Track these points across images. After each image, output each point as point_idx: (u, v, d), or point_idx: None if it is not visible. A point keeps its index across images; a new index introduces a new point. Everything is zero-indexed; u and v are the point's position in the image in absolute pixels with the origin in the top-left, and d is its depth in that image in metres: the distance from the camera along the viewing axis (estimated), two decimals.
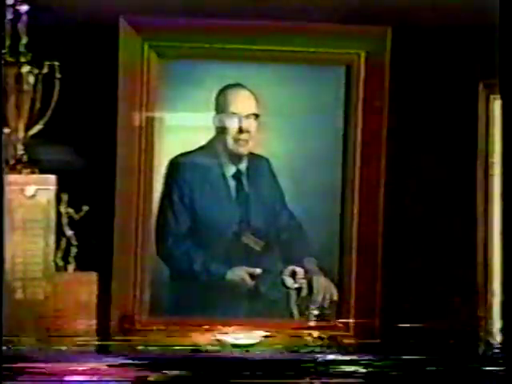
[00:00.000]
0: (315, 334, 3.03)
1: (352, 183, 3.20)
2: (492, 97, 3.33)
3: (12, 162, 3.00)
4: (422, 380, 3.31)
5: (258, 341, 3.32)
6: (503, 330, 3.22)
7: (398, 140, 3.24)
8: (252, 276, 3.29)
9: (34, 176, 2.98)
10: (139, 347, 3.34)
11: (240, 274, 3.27)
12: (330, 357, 3.12)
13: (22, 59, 2.96)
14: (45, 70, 3.02)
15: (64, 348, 3.19)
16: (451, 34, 3.65)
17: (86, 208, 2.92)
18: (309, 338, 3.10)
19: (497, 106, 3.35)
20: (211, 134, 3.19)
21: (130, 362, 3.32)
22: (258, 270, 3.28)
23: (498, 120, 3.38)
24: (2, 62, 3.21)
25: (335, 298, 3.19)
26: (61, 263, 2.94)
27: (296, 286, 3.15)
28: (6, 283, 3.17)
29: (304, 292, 3.10)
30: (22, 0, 3.30)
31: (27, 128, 2.97)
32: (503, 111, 2.85)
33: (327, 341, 3.14)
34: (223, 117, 3.29)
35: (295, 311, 3.06)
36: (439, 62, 3.62)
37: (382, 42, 3.27)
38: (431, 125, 3.26)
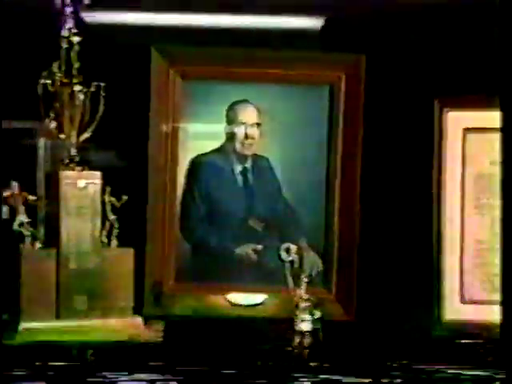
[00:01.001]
0: (305, 297, 2.99)
1: (334, 180, 3.17)
2: (445, 110, 3.06)
3: (66, 161, 2.90)
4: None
5: (261, 301, 3.23)
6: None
7: (370, 147, 3.19)
8: (255, 251, 3.24)
9: (84, 172, 2.91)
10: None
11: (246, 249, 3.26)
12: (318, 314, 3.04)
13: (75, 80, 2.89)
14: (92, 89, 2.90)
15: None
16: (412, 59, 3.30)
17: (125, 197, 2.91)
18: (301, 301, 3.10)
19: (449, 117, 3.06)
20: (223, 139, 3.16)
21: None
22: (260, 247, 3.24)
23: (451, 130, 3.09)
24: (59, 82, 2.92)
25: (320, 268, 3.14)
26: (105, 240, 2.90)
27: (290, 259, 3.09)
28: (63, 255, 2.90)
29: (296, 264, 3.07)
30: (74, 33, 2.97)
31: (78, 135, 2.90)
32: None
33: (314, 301, 3.23)
34: (232, 126, 3.25)
35: (290, 280, 3.03)
36: (403, 82, 3.27)
37: (358, 66, 3.14)
38: (395, 135, 3.18)
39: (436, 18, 3.34)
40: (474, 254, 3.18)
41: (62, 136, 2.96)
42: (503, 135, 2.88)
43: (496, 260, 3.19)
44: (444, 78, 3.29)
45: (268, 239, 3.26)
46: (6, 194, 3.11)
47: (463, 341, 3.26)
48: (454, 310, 3.19)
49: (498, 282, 3.23)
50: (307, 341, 3.05)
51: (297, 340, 3.07)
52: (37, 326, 2.91)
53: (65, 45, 2.97)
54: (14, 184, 2.98)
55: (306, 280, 3.08)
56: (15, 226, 2.95)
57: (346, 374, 3.13)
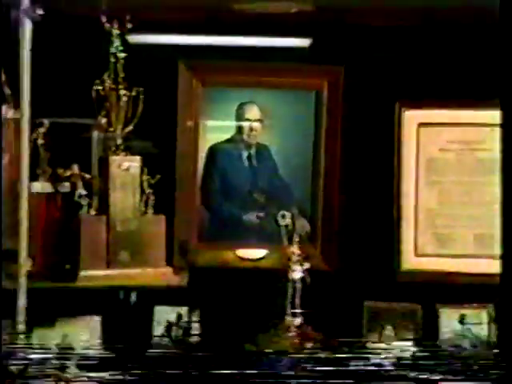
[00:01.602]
0: (296, 252, 3.10)
1: (319, 163, 3.37)
2: (403, 109, 3.32)
3: (114, 149, 3.08)
4: None
5: (263, 255, 3.36)
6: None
7: (347, 138, 3.37)
8: (258, 217, 3.42)
9: (127, 157, 3.09)
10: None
11: (251, 216, 3.43)
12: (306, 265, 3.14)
13: (120, 86, 3.06)
14: (133, 93, 3.07)
15: None
16: (379, 71, 3.40)
17: (158, 176, 3.08)
18: (293, 255, 3.14)
19: (406, 115, 3.34)
20: (233, 132, 3.36)
21: None
22: (262, 214, 3.41)
23: (408, 125, 3.35)
24: (108, 88, 3.10)
25: (308, 230, 3.33)
26: (143, 209, 3.08)
27: (284, 223, 3.21)
28: (111, 220, 3.08)
29: (289, 227, 3.20)
30: (120, 50, 3.08)
31: (123, 128, 3.08)
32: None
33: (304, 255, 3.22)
34: (240, 121, 3.44)
35: (284, 239, 3.16)
36: (372, 88, 3.43)
37: (338, 76, 3.33)
38: (366, 129, 3.35)
39: (396, 40, 3.38)
40: (425, 219, 3.40)
41: (111, 129, 3.13)
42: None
43: (441, 222, 3.40)
44: (402, 86, 3.38)
45: (268, 208, 3.44)
46: (68, 173, 3.21)
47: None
48: (409, 261, 3.40)
49: (443, 239, 3.43)
50: (298, 286, 3.16)
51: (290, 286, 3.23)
52: (91, 274, 3.08)
53: (113, 59, 3.12)
54: (74, 166, 3.16)
55: (297, 239, 3.17)
56: (76, 198, 3.12)
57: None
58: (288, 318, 3.19)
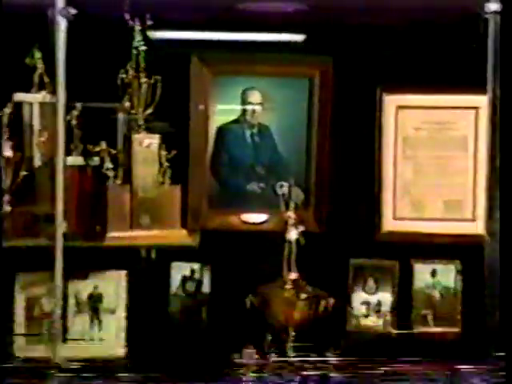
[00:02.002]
0: (292, 216, 3.21)
1: (311, 140, 3.45)
2: (384, 94, 3.42)
3: (136, 128, 3.14)
4: None
5: (264, 220, 3.45)
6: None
7: (336, 118, 3.47)
8: (260, 187, 3.49)
9: (148, 135, 3.15)
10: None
11: (253, 186, 3.49)
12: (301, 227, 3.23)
13: (141, 75, 3.13)
14: (152, 81, 3.14)
15: None
16: (363, 60, 3.48)
17: (174, 152, 3.17)
18: (289, 219, 3.25)
19: (387, 99, 3.43)
20: (238, 114, 3.46)
21: None
22: (262, 184, 3.49)
23: (387, 108, 3.44)
24: (131, 76, 3.14)
25: (302, 198, 3.41)
26: (161, 180, 3.16)
27: (282, 192, 3.33)
28: (134, 189, 3.12)
29: (286, 195, 3.33)
30: (141, 44, 3.13)
31: (144, 111, 3.14)
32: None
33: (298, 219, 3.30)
34: (244, 105, 3.50)
35: (282, 206, 3.28)
36: (357, 76, 3.49)
37: (328, 66, 3.41)
38: (352, 111, 3.45)
39: (377, 35, 3.43)
40: (402, 187, 3.50)
41: (133, 111, 3.18)
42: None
43: (415, 190, 3.49)
44: (383, 74, 3.46)
45: (268, 179, 3.52)
46: (97, 149, 3.20)
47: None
48: (388, 224, 3.51)
49: (417, 205, 3.52)
50: (294, 245, 3.24)
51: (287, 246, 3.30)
52: (117, 234, 3.15)
53: (135, 52, 3.17)
54: (103, 143, 3.19)
55: (293, 206, 3.28)
56: (104, 170, 3.18)
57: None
58: (285, 273, 3.27)
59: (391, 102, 3.50)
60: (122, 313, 3.37)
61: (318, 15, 3.40)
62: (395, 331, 3.61)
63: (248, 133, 3.56)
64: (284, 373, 3.30)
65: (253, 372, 3.32)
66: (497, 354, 3.18)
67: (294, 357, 3.30)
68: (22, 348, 3.30)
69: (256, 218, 3.55)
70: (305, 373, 3.28)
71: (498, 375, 3.16)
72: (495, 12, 3.12)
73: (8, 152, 3.15)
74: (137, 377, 3.27)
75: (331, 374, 3.29)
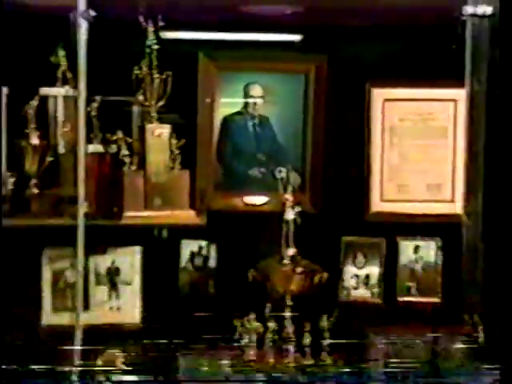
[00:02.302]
0: (290, 198, 3.25)
1: (307, 130, 3.55)
2: (372, 88, 3.49)
3: (149, 119, 3.20)
4: None
5: (264, 201, 3.53)
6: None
7: (329, 110, 3.56)
8: (260, 172, 3.59)
9: (160, 125, 3.19)
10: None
11: (255, 171, 3.60)
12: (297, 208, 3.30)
13: (154, 71, 3.17)
14: (164, 76, 3.19)
15: None
16: (354, 58, 3.53)
17: (183, 140, 3.22)
18: (287, 201, 3.29)
19: (375, 92, 3.50)
20: (241, 106, 3.55)
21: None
22: (263, 170, 3.59)
23: (375, 101, 3.51)
24: (144, 72, 3.15)
25: (299, 182, 3.51)
26: (171, 166, 3.22)
27: (281, 177, 3.34)
28: (147, 174, 3.15)
29: (284, 179, 3.34)
30: (154, 43, 3.14)
31: (156, 103, 3.19)
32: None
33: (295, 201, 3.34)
34: (246, 98, 3.60)
35: (281, 189, 3.29)
36: (349, 72, 3.55)
37: (323, 62, 3.51)
38: (344, 103, 3.56)
39: (366, 35, 3.51)
40: (388, 172, 3.58)
41: (146, 104, 3.25)
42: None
43: (400, 175, 3.57)
44: (371, 71, 3.55)
45: (268, 165, 3.61)
46: (114, 138, 3.25)
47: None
48: (376, 205, 3.61)
49: (402, 188, 3.58)
50: (291, 225, 3.26)
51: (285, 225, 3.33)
52: (133, 214, 3.22)
53: (148, 50, 3.23)
54: (119, 132, 3.24)
55: (290, 189, 3.31)
56: (120, 156, 3.25)
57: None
58: (283, 250, 3.31)
59: (379, 95, 3.59)
60: (137, 284, 3.44)
61: (314, 17, 3.44)
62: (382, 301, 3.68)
63: (250, 123, 3.65)
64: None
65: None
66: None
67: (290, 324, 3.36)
68: (49, 315, 3.34)
69: (257, 200, 3.63)
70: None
71: (472, 339, 3.22)
72: (472, 14, 3.13)
73: (35, 140, 3.20)
74: (150, 342, 3.31)
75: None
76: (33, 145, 3.23)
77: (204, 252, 3.60)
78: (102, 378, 3.21)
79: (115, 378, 3.20)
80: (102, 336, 3.28)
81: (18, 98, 3.27)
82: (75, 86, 3.16)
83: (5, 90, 3.27)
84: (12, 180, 3.25)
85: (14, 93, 3.29)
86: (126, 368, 3.25)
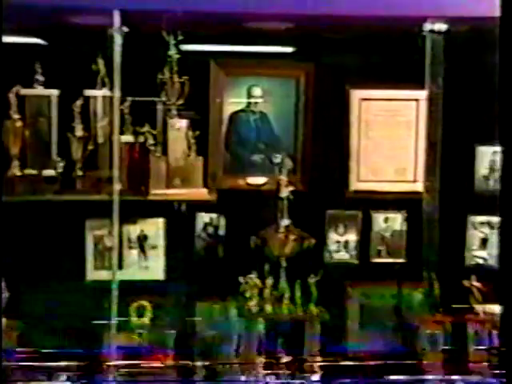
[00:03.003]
0: (284, 179, 3.39)
1: (299, 124, 3.58)
2: (350, 89, 3.49)
3: (171, 115, 3.32)
4: None
5: (264, 182, 3.56)
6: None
7: (317, 108, 3.60)
8: (260, 158, 3.64)
9: (179, 120, 3.31)
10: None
11: (256, 157, 3.65)
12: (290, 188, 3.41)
13: (174, 76, 3.27)
14: (182, 80, 3.28)
15: None
16: (336, 64, 3.51)
17: (197, 132, 3.34)
18: (282, 182, 3.41)
19: (352, 93, 3.50)
20: (245, 104, 3.60)
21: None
22: (262, 156, 3.63)
23: (353, 99, 3.52)
24: (167, 76, 3.20)
25: (291, 166, 3.54)
26: (188, 153, 3.31)
27: (277, 161, 3.50)
28: (168, 158, 3.23)
29: (280, 164, 3.48)
30: (175, 53, 3.23)
31: (176, 102, 3.31)
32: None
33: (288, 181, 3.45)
34: (249, 98, 3.62)
35: (276, 171, 3.47)
36: (332, 75, 3.54)
37: (311, 69, 3.55)
38: (329, 101, 3.59)
39: (346, 46, 3.53)
40: (364, 158, 3.60)
41: (168, 103, 3.39)
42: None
43: (374, 160, 3.58)
44: (350, 75, 3.59)
45: (266, 152, 3.68)
46: (142, 130, 3.33)
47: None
48: (354, 184, 3.62)
49: (375, 170, 3.60)
50: (285, 201, 3.40)
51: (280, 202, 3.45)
52: (157, 192, 3.31)
53: (169, 59, 3.34)
54: (146, 125, 3.35)
55: (285, 172, 3.47)
56: (147, 145, 3.36)
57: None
58: (279, 221, 3.44)
59: (356, 95, 3.65)
60: (161, 248, 3.57)
61: (303, 32, 3.52)
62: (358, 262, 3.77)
63: (252, 118, 3.72)
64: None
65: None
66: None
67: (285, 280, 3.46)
68: (91, 272, 3.51)
69: (258, 180, 3.70)
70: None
71: (429, 292, 3.44)
72: (430, 31, 3.33)
73: (79, 132, 3.34)
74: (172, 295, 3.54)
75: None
76: (78, 136, 3.36)
77: (215, 223, 3.68)
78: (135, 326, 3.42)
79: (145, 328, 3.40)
80: (133, 289, 3.43)
81: (67, 98, 3.37)
82: (111, 89, 3.32)
83: (56, 92, 3.36)
84: (61, 164, 3.35)
85: (64, 95, 3.38)
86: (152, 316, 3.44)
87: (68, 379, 3.21)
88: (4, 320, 3.25)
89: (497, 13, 2.98)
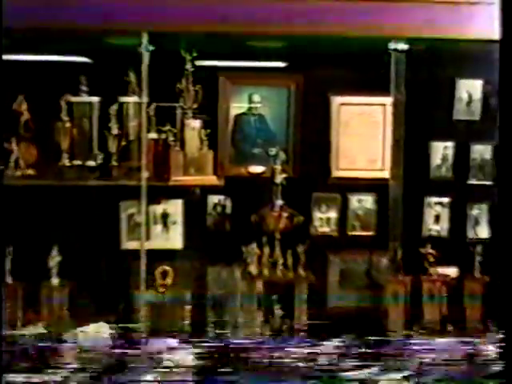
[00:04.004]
0: (279, 168, 3.48)
1: (291, 123, 3.67)
2: (332, 96, 3.59)
3: (187, 116, 3.40)
4: None
5: (262, 171, 3.61)
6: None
7: (306, 111, 3.68)
8: (259, 151, 3.71)
9: (194, 121, 3.40)
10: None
11: (255, 150, 3.72)
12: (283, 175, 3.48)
13: (190, 85, 3.38)
14: (196, 89, 3.38)
15: None
16: (322, 76, 3.58)
17: (209, 130, 3.47)
18: (276, 170, 3.49)
19: (333, 99, 3.59)
20: (246, 108, 3.69)
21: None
22: (261, 150, 3.71)
23: (334, 105, 3.61)
24: (184, 86, 3.27)
25: (284, 158, 3.57)
26: (201, 147, 3.41)
27: (272, 154, 3.57)
28: (186, 152, 3.30)
29: (275, 156, 3.53)
30: (190, 67, 3.30)
31: (191, 106, 3.40)
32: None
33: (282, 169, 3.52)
34: (250, 103, 3.71)
35: (273, 161, 3.53)
36: (318, 86, 3.64)
37: (300, 79, 3.65)
38: (315, 107, 3.66)
39: (328, 60, 3.55)
40: (342, 151, 3.70)
41: (185, 107, 3.46)
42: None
43: (350, 153, 3.66)
44: (331, 84, 3.67)
45: (264, 146, 3.74)
46: (164, 129, 3.40)
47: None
48: (331, 172, 3.70)
49: (351, 160, 3.67)
50: (279, 186, 3.49)
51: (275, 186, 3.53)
52: (176, 178, 3.39)
53: (186, 72, 3.40)
54: (168, 125, 3.42)
55: (279, 162, 3.55)
56: (168, 141, 3.41)
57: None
58: (274, 201, 3.53)
59: (336, 101, 3.75)
60: (180, 224, 3.67)
61: (294, 50, 3.60)
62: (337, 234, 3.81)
63: (252, 119, 3.80)
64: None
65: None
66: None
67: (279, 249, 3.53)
68: (125, 243, 3.61)
69: (257, 169, 3.77)
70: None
71: (393, 258, 3.55)
72: (394, 49, 3.41)
73: (115, 131, 3.45)
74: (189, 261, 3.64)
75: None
76: (113, 134, 3.46)
77: (222, 203, 3.76)
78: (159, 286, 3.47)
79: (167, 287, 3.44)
80: (158, 256, 3.52)
81: (105, 104, 3.49)
82: (140, 96, 3.40)
83: (97, 99, 3.48)
84: (101, 156, 3.47)
85: (103, 101, 3.50)
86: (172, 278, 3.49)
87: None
88: (57, 279, 3.45)
89: (450, 35, 3.18)
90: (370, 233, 3.77)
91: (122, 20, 3.21)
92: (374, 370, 3.14)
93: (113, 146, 3.45)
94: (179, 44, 3.42)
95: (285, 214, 3.50)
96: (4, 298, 3.26)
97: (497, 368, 3.06)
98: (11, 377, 2.95)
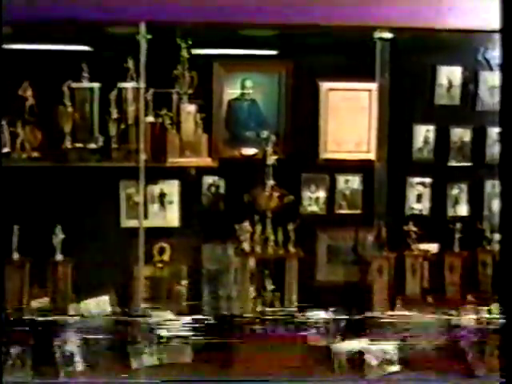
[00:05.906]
0: (270, 150, 3.53)
1: (282, 108, 3.70)
2: (320, 82, 3.61)
3: (183, 101, 3.42)
4: None
5: (254, 153, 3.62)
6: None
7: (296, 96, 3.71)
8: (251, 134, 3.72)
9: (189, 105, 3.43)
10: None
11: (250, 134, 3.73)
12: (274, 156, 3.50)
13: (186, 72, 3.40)
14: (192, 75, 3.41)
15: None
16: (312, 64, 3.62)
17: (204, 114, 3.48)
18: (268, 151, 3.53)
19: (321, 85, 3.62)
20: (239, 93, 3.70)
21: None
22: (253, 133, 3.72)
23: (323, 90, 3.63)
24: (180, 73, 3.32)
25: (275, 140, 3.57)
26: (196, 130, 3.43)
27: (264, 137, 3.65)
28: (182, 135, 3.35)
29: (267, 139, 3.58)
30: (186, 54, 3.34)
31: (187, 91, 3.42)
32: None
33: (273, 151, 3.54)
34: (243, 88, 3.72)
35: (264, 144, 3.57)
36: (308, 72, 3.68)
37: (290, 66, 3.67)
38: (305, 93, 3.69)
39: (318, 48, 3.62)
40: (331, 134, 3.71)
41: (181, 92, 3.47)
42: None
43: (338, 135, 3.70)
44: (320, 71, 3.69)
45: (256, 130, 3.78)
46: (162, 112, 3.40)
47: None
48: (323, 154, 3.73)
49: (339, 143, 3.69)
50: (270, 167, 3.52)
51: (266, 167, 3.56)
52: (173, 160, 3.39)
53: (182, 59, 3.44)
54: (164, 109, 3.43)
55: (270, 144, 3.58)
56: (165, 124, 3.41)
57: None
58: (266, 181, 3.56)
59: (325, 87, 3.78)
60: (176, 203, 3.73)
61: (284, 37, 3.63)
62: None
63: (245, 104, 3.83)
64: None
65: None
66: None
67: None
68: (124, 221, 3.62)
69: (249, 151, 3.79)
70: None
71: (378, 235, 3.64)
72: (379, 38, 3.47)
73: (115, 115, 3.48)
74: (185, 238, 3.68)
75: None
76: (113, 118, 3.50)
77: (216, 184, 3.79)
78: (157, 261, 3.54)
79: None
80: (155, 234, 3.61)
81: (105, 89, 3.51)
82: (138, 81, 3.41)
83: (97, 84, 3.50)
84: (101, 139, 3.50)
85: (103, 87, 3.52)
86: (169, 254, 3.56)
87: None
88: (60, 256, 3.52)
89: (432, 25, 3.26)
90: (356, 211, 3.83)
91: (121, 10, 3.23)
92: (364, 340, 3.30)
93: (112, 130, 3.49)
94: (175, 33, 3.45)
95: (276, 194, 3.55)
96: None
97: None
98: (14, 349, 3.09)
